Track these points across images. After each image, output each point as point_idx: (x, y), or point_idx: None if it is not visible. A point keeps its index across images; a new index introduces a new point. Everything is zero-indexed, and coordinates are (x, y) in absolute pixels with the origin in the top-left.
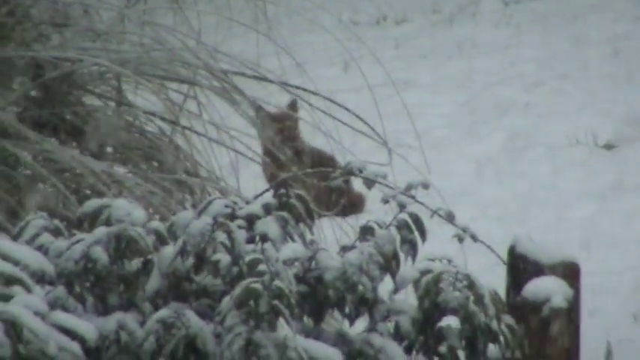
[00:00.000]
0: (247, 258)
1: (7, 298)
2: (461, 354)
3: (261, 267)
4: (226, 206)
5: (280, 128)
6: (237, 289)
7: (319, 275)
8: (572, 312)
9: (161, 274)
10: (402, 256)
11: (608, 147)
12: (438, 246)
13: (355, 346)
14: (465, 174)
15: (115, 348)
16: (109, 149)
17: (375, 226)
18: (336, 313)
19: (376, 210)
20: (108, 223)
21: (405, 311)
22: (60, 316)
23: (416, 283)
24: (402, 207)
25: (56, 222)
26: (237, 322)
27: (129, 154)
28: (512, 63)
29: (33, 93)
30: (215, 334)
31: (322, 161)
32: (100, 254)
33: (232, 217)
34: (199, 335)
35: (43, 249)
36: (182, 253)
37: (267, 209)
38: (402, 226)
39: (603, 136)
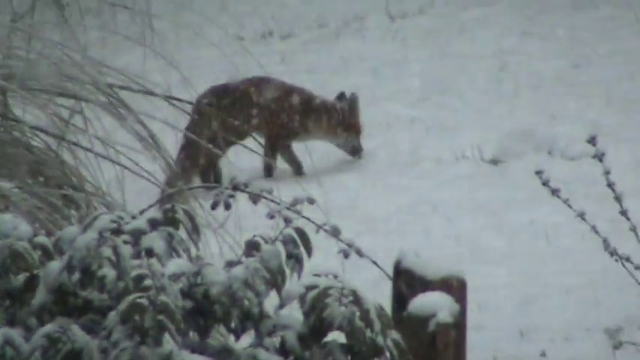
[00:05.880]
0: (133, 273)
1: None
2: None
3: (147, 282)
4: (112, 221)
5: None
6: (123, 304)
7: (205, 290)
8: (458, 327)
9: (47, 289)
10: (287, 271)
11: (494, 162)
12: (324, 261)
13: None
14: (351, 189)
15: None
16: None
17: (261, 241)
18: (222, 328)
19: (262, 225)
20: None
21: (291, 326)
22: None
23: (302, 298)
24: (287, 222)
25: None
26: (123, 337)
27: (15, 169)
28: (398, 78)
29: None
30: (101, 349)
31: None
32: None
33: (118, 232)
34: (85, 350)
35: None
36: (68, 268)
37: (153, 224)
38: (287, 241)
39: (489, 151)
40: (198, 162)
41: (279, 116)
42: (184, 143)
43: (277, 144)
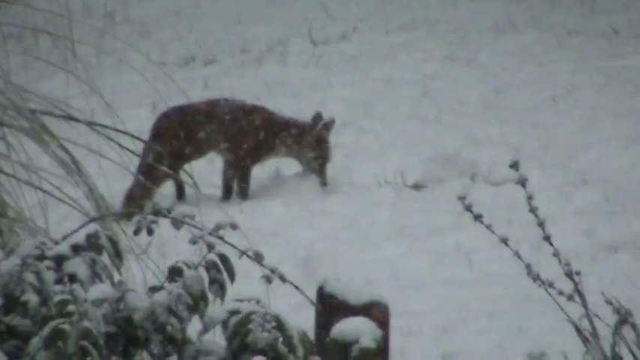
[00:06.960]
0: (56, 298)
1: None
2: None
3: (70, 307)
4: (35, 247)
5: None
6: (46, 330)
7: (128, 316)
8: (381, 352)
9: None
10: (210, 296)
11: (417, 187)
12: (247, 286)
13: None
14: (274, 214)
15: None
16: None
17: (184, 267)
18: (145, 354)
19: (185, 251)
20: None
21: (214, 352)
22: None
23: (224, 323)
24: (210, 247)
25: None
26: None
27: None
28: (321, 103)
29: None
30: None
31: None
32: None
33: (41, 257)
34: None
35: None
36: None
37: (76, 250)
38: (210, 267)
39: (412, 176)
40: (156, 177)
41: (243, 137)
42: (141, 161)
43: (243, 165)
